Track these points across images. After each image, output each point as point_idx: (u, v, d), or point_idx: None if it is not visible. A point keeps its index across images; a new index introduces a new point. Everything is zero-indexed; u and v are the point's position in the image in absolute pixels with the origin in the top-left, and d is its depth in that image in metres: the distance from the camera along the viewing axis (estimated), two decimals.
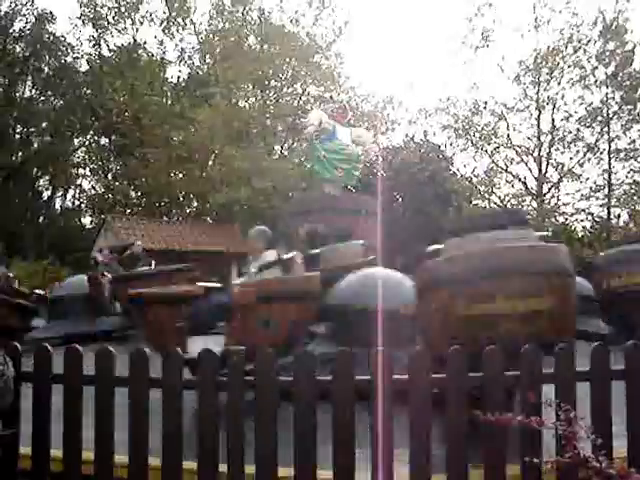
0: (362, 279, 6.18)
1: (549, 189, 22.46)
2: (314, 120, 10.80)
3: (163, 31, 27.62)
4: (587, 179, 21.93)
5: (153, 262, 10.34)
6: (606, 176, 21.65)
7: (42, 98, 28.14)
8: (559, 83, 21.68)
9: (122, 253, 11.09)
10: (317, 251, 8.11)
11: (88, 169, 30.06)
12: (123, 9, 26.80)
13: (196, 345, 5.06)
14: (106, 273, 9.69)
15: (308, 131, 10.94)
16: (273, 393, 3.02)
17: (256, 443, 3.00)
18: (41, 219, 28.42)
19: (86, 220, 30.46)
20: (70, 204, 30.54)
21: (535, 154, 22.30)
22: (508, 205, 22.90)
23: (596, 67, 21.29)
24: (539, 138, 22.16)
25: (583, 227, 23.17)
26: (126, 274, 9.62)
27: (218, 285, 6.21)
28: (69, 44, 28.11)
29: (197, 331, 5.51)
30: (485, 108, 22.37)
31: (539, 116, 22.07)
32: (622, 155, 21.50)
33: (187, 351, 5.00)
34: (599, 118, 21.44)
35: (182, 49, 28.20)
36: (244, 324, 5.16)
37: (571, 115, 21.76)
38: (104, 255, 10.70)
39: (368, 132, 13.09)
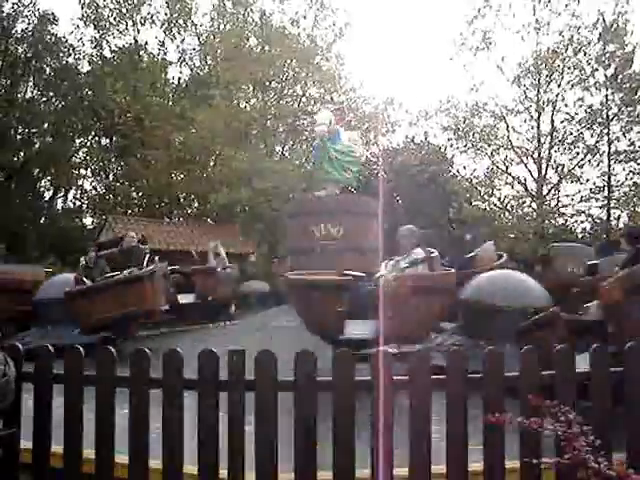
0: (493, 279, 6.82)
1: (549, 190, 22.48)
2: (324, 120, 10.75)
3: (164, 32, 27.71)
4: (587, 181, 21.97)
5: (147, 255, 9.35)
6: (606, 178, 21.68)
7: (43, 99, 28.16)
8: (559, 85, 21.71)
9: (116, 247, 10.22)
10: (473, 253, 9.15)
11: (89, 170, 30.13)
12: (124, 10, 26.88)
13: (352, 329, 5.54)
14: (85, 278, 8.95)
15: (320, 131, 10.87)
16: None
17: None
18: (42, 220, 28.45)
19: (87, 221, 30.54)
20: (71, 205, 30.61)
21: (535, 155, 22.32)
22: (508, 206, 22.95)
23: (596, 69, 21.32)
24: (539, 140, 22.18)
25: (583, 229, 23.26)
26: (72, 291, 8.55)
27: (363, 275, 6.63)
28: (71, 45, 28.14)
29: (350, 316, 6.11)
30: (485, 110, 22.40)
31: (539, 118, 22.10)
32: (622, 157, 21.52)
33: (344, 335, 5.37)
34: (599, 120, 21.47)
35: (183, 50, 28.30)
36: (398, 313, 5.70)
37: (572, 117, 21.80)
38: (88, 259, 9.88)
39: (360, 137, 12.95)
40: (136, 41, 27.61)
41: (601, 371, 3.06)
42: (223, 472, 3.09)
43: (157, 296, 8.86)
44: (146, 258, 9.25)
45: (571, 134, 21.81)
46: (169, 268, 10.68)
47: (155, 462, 3.18)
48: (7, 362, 3.26)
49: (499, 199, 23.05)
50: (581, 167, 22.02)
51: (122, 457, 3.23)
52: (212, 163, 25.84)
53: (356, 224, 9.85)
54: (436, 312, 6.13)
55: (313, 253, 9.60)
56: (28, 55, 27.23)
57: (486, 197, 23.21)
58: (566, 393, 2.97)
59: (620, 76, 20.90)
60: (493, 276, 6.90)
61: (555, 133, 21.94)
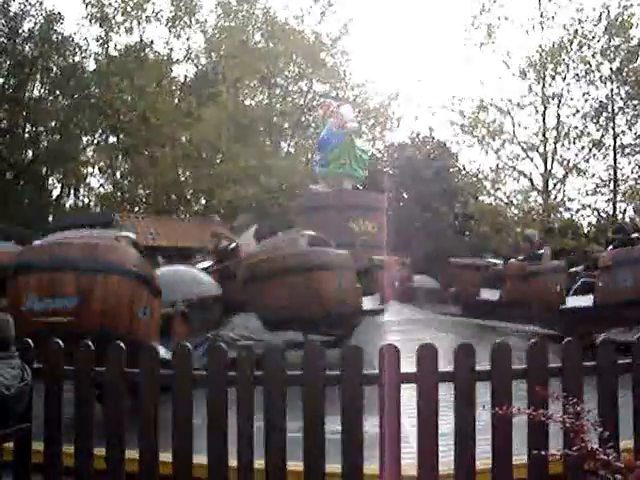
0: None
1: (555, 185, 22.44)
2: (351, 115, 10.78)
3: (169, 30, 27.72)
4: (593, 175, 21.95)
5: None
6: (611, 171, 21.66)
7: (50, 98, 28.25)
8: (564, 79, 21.66)
9: None
10: None
11: (97, 168, 30.28)
12: (129, 9, 26.91)
13: None
14: None
15: (352, 127, 10.87)
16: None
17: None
18: (51, 217, 28.63)
19: None
20: (80, 202, 30.77)
21: (541, 150, 22.28)
22: (514, 200, 22.95)
23: (601, 63, 21.25)
24: (544, 134, 22.14)
25: (589, 222, 23.19)
26: None
27: None
28: (77, 44, 28.18)
29: None
30: (491, 105, 22.37)
31: (544, 112, 22.06)
32: (627, 150, 21.50)
33: None
34: (604, 114, 21.42)
35: (188, 48, 28.29)
36: None
37: (578, 111, 21.77)
38: None
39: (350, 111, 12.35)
40: (141, 39, 27.67)
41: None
42: None
43: None
44: None
45: (576, 128, 21.77)
46: None
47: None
48: (24, 367, 3.35)
49: (505, 194, 23.05)
50: (587, 161, 21.98)
51: None
52: (218, 160, 25.92)
53: (381, 220, 10.03)
54: None
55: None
56: (35, 54, 27.33)
57: (492, 192, 23.20)
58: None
59: (625, 70, 20.85)
60: None
61: (561, 127, 21.90)
